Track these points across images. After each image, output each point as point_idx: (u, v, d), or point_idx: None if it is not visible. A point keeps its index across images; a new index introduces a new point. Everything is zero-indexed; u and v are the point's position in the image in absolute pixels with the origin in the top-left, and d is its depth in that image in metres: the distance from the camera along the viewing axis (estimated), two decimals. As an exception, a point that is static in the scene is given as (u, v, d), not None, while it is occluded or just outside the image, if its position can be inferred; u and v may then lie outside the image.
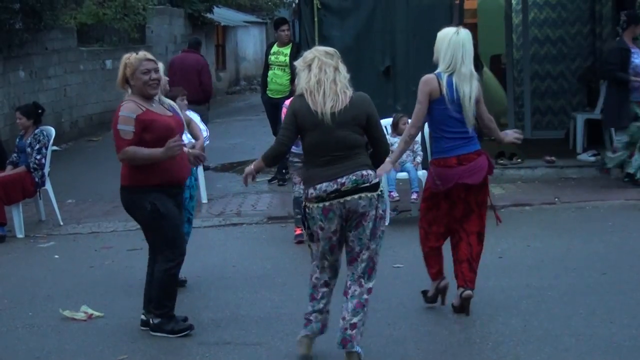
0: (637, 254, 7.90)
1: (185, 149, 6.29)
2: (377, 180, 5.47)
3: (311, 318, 5.65)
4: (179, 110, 6.77)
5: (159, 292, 6.18)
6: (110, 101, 19.67)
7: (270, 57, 12.25)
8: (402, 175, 9.58)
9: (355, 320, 5.47)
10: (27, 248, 9.35)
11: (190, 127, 7.24)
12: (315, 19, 11.38)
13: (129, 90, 6.13)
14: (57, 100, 17.26)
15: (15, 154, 10.06)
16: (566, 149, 12.86)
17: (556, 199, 10.33)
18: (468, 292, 6.30)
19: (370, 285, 5.56)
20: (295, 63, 5.64)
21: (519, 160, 12.02)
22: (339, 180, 5.36)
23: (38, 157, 9.80)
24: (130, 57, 6.07)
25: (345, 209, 5.38)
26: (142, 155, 5.95)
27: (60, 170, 12.59)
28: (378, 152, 5.62)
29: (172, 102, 6.84)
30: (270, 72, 12.20)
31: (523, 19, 14.44)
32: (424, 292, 6.66)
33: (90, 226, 10.17)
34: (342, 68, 5.50)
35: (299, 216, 8.94)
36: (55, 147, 11.05)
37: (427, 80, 6.21)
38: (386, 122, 9.93)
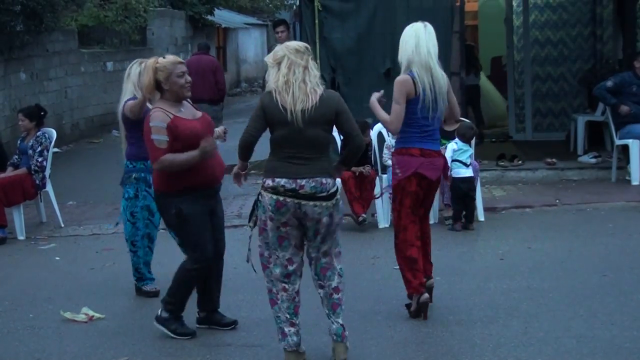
0: (638, 256, 7.90)
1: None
2: (334, 189, 5.48)
3: (285, 331, 5.55)
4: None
5: (174, 285, 6.16)
6: (111, 103, 19.68)
7: (270, 60, 12.26)
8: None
9: (340, 321, 5.52)
10: (28, 250, 9.35)
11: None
12: (316, 21, 11.39)
13: (157, 96, 6.07)
14: (58, 102, 17.28)
15: (16, 156, 10.06)
16: (567, 151, 12.87)
17: (557, 201, 10.33)
18: (432, 281, 6.60)
19: (334, 284, 5.55)
20: (265, 58, 5.63)
21: (520, 162, 12.02)
22: (298, 181, 5.37)
23: (39, 159, 9.80)
24: (160, 61, 5.99)
25: (302, 211, 5.40)
26: (180, 161, 5.88)
27: (61, 172, 12.60)
28: (351, 147, 5.58)
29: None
30: (270, 75, 12.20)
31: (524, 21, 14.45)
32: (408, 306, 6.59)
33: (91, 228, 10.17)
34: (313, 66, 5.48)
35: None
36: (56, 149, 11.05)
37: (404, 81, 6.29)
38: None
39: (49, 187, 10.07)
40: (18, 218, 9.78)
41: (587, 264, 7.73)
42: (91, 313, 6.80)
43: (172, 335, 6.16)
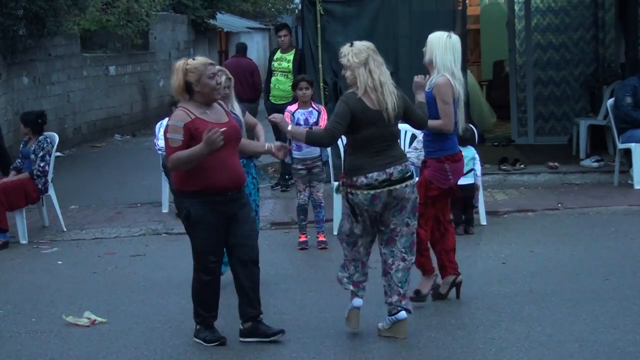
0: (641, 260, 7.91)
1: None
2: (412, 169, 6.11)
3: (359, 285, 6.12)
4: (240, 117, 7.01)
5: (195, 298, 6.12)
6: (113, 107, 19.72)
7: (273, 64, 12.29)
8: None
9: (403, 290, 6.04)
10: (31, 254, 9.35)
11: (255, 130, 7.59)
12: (319, 25, 11.39)
13: (186, 97, 5.95)
14: (60, 107, 17.28)
15: (19, 160, 10.07)
16: (569, 155, 12.85)
17: (559, 205, 10.32)
18: (461, 277, 6.82)
19: (412, 258, 6.11)
20: (344, 60, 5.98)
21: (522, 166, 12.02)
22: (387, 170, 5.89)
23: (42, 164, 9.80)
24: (191, 63, 5.88)
25: (392, 196, 5.90)
26: (183, 157, 5.79)
27: (64, 177, 12.60)
28: (422, 118, 6.28)
29: (237, 108, 7.18)
30: (273, 79, 12.24)
31: (526, 25, 14.45)
32: (434, 291, 6.85)
33: (93, 232, 10.17)
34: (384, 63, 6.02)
35: (303, 223, 8.95)
36: (58, 153, 11.06)
37: (448, 82, 6.56)
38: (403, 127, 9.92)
39: (51, 191, 10.07)
40: (20, 222, 9.78)
41: (589, 267, 7.72)
42: (93, 317, 6.80)
43: (204, 343, 6.04)
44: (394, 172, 5.91)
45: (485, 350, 5.83)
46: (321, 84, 11.26)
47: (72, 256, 9.17)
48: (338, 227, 6.30)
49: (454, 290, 6.91)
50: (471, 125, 9.79)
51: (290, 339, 6.11)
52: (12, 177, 9.89)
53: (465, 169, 9.09)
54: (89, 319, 6.78)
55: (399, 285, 6.03)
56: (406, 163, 6.02)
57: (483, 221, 9.52)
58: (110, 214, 11.03)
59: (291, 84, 11.69)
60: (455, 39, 6.65)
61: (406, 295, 6.09)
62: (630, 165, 11.00)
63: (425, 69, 6.84)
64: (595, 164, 11.98)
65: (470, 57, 14.31)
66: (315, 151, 8.70)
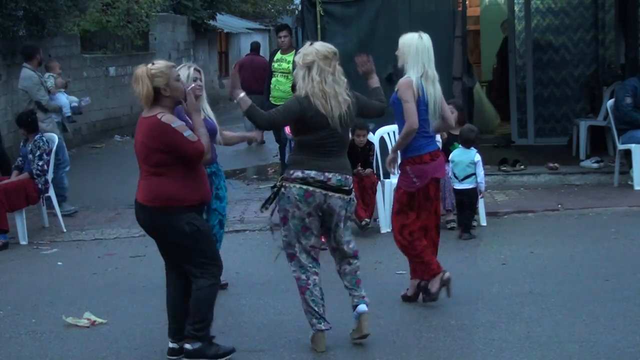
0: (641, 261, 7.91)
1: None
2: (351, 186, 5.98)
3: (320, 313, 5.92)
4: (213, 120, 6.95)
5: (207, 310, 5.73)
6: (113, 108, 19.70)
7: (273, 64, 12.30)
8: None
9: (363, 293, 6.02)
10: (31, 255, 9.35)
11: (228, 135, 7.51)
12: (318, 26, 11.39)
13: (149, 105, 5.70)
14: (60, 107, 17.24)
15: (20, 159, 10.10)
16: (569, 156, 12.85)
17: (559, 206, 10.32)
18: (448, 273, 6.74)
19: (359, 263, 6.08)
20: (295, 58, 5.95)
21: (522, 166, 12.01)
22: (326, 174, 5.80)
23: (40, 163, 9.82)
24: (155, 67, 5.61)
25: (326, 203, 5.82)
26: (208, 143, 5.68)
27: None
28: (377, 106, 6.20)
29: (209, 112, 7.04)
30: (273, 79, 12.24)
31: (526, 25, 14.44)
32: (424, 290, 6.83)
33: (93, 233, 10.17)
34: (340, 72, 5.89)
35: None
36: (58, 154, 11.05)
37: (409, 82, 6.61)
38: (389, 129, 9.93)
39: (51, 192, 10.08)
40: (20, 223, 9.78)
41: (589, 268, 7.72)
42: (93, 318, 6.81)
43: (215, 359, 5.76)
44: (332, 179, 5.81)
45: (485, 351, 5.83)
46: (321, 85, 11.24)
47: (72, 257, 9.18)
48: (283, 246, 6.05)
49: (455, 289, 6.92)
50: (472, 125, 9.76)
51: (290, 340, 6.11)
52: (14, 177, 9.92)
53: (464, 173, 9.07)
54: (88, 319, 6.78)
55: (350, 287, 6.04)
56: (347, 176, 5.90)
57: (483, 222, 9.52)
58: (110, 214, 11.03)
59: (291, 84, 11.72)
60: (426, 38, 6.69)
61: (363, 296, 6.03)
62: (630, 166, 11.00)
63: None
64: (595, 165, 11.98)
65: (470, 58, 14.26)
66: None
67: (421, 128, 6.61)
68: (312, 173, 5.79)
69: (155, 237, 5.82)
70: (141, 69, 5.60)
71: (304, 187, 5.79)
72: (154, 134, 5.56)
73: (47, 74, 11.58)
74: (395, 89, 6.71)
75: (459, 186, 9.08)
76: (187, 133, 5.58)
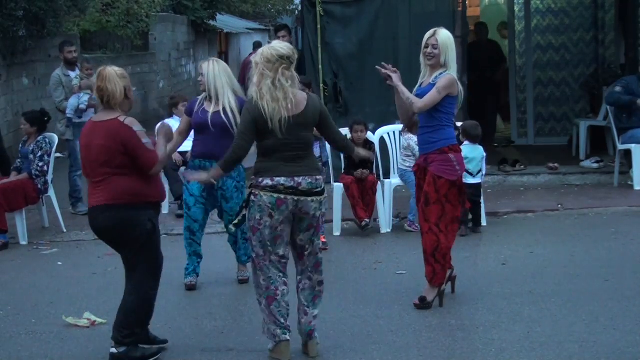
0: (641, 261, 7.91)
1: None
2: (323, 186, 5.77)
3: (285, 324, 5.74)
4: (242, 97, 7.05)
5: (138, 315, 5.86)
6: (113, 108, 19.70)
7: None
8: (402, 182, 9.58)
9: (316, 312, 5.81)
10: (30, 255, 9.35)
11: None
12: (318, 26, 11.40)
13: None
14: (60, 108, 17.25)
15: (19, 160, 10.08)
16: (569, 156, 12.86)
17: (559, 206, 10.32)
18: (454, 272, 6.86)
19: (320, 278, 5.83)
20: (252, 57, 5.84)
21: (522, 167, 12.02)
22: (296, 179, 5.62)
23: (40, 164, 9.81)
24: (117, 69, 5.71)
25: (298, 207, 5.63)
26: (165, 157, 5.82)
27: (64, 177, 12.58)
28: (338, 141, 5.97)
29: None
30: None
31: (526, 26, 14.45)
32: (453, 280, 6.97)
33: (93, 233, 10.15)
34: (285, 76, 5.55)
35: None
36: (58, 154, 11.04)
37: (454, 80, 6.59)
38: (389, 129, 9.93)
39: (51, 192, 10.08)
40: (20, 223, 9.78)
41: (589, 268, 7.73)
42: (93, 318, 6.81)
43: None
44: (302, 183, 5.61)
45: (485, 351, 5.83)
46: (321, 85, 11.26)
47: (72, 257, 9.18)
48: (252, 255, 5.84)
49: (454, 289, 6.93)
50: (474, 121, 9.74)
51: (291, 341, 6.10)
52: (13, 178, 9.91)
53: (477, 168, 9.20)
54: (88, 319, 6.78)
55: (305, 304, 5.79)
56: (317, 177, 5.70)
57: (483, 222, 9.52)
58: (110, 214, 11.01)
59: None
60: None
61: (315, 316, 5.81)
62: (630, 166, 11.01)
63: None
64: (595, 165, 11.98)
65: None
66: (315, 152, 8.68)
67: (451, 121, 6.66)
68: (282, 180, 5.58)
69: (115, 238, 5.89)
70: (108, 70, 5.67)
71: (275, 195, 5.58)
72: (115, 135, 5.60)
73: (75, 74, 11.40)
74: (433, 81, 6.57)
75: (472, 181, 9.12)
76: (146, 140, 5.67)
